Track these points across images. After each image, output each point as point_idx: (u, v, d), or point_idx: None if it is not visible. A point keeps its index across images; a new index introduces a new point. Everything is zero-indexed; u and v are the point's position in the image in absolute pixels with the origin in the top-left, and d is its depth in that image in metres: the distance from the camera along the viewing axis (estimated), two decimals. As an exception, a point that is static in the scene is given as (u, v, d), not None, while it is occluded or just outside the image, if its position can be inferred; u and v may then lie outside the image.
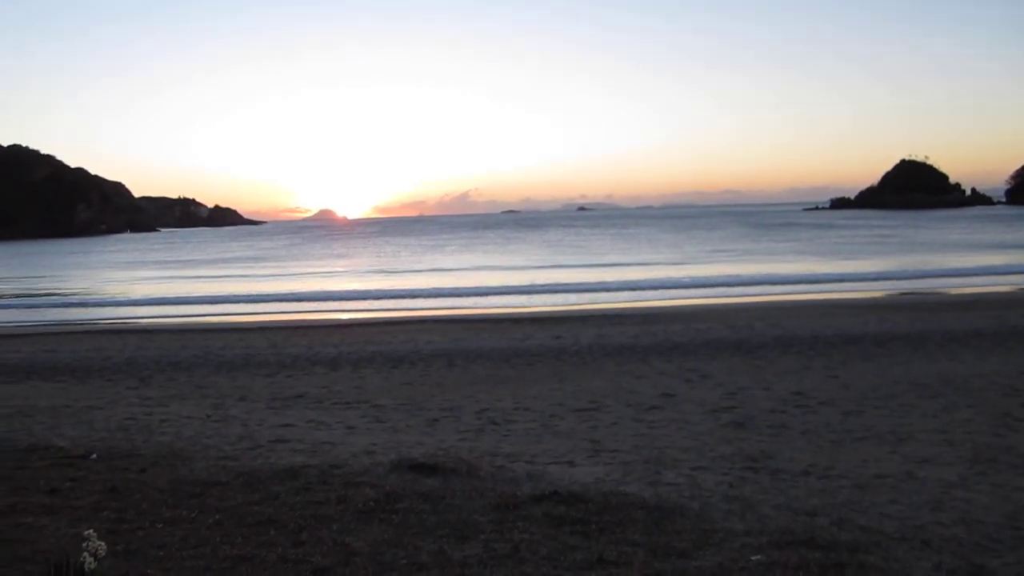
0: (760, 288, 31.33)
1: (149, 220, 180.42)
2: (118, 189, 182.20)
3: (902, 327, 17.28)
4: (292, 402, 11.19)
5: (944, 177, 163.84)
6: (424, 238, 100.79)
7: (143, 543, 5.22)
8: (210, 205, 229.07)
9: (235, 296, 34.00)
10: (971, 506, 5.94)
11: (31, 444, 8.31)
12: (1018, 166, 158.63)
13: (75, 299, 36.08)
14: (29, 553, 5.06)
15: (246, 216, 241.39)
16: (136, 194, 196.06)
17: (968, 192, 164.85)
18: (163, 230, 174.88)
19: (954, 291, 28.19)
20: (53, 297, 37.18)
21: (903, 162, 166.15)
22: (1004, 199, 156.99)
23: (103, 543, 3.76)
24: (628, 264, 46.56)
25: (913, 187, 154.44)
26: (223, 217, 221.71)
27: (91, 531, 3.81)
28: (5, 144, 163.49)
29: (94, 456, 7.73)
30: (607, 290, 32.45)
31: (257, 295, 34.34)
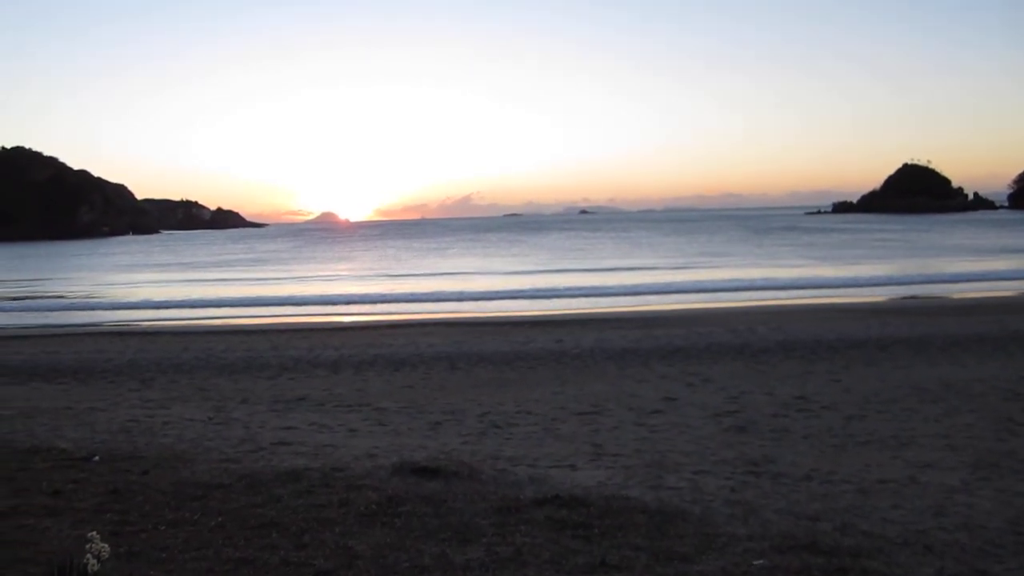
0: (762, 292, 31.31)
1: (151, 222, 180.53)
2: (120, 191, 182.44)
3: (904, 331, 17.27)
4: (294, 405, 11.20)
5: (947, 181, 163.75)
6: (426, 241, 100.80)
7: (146, 545, 5.23)
8: (212, 207, 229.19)
9: (236, 300, 34.02)
10: (974, 511, 5.94)
11: (33, 446, 8.31)
12: (1021, 170, 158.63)
13: (77, 301, 36.10)
14: (31, 555, 5.07)
15: (248, 218, 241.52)
16: (139, 196, 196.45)
17: (971, 196, 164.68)
18: (165, 232, 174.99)
19: (956, 295, 28.19)
20: (55, 299, 37.20)
21: (905, 166, 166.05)
22: (1007, 203, 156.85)
23: (106, 545, 3.76)
24: (629, 268, 46.55)
25: (915, 191, 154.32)
26: (225, 219, 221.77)
27: (94, 533, 3.82)
28: (8, 145, 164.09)
29: (96, 458, 7.73)
30: (608, 294, 32.44)
31: (258, 298, 34.38)
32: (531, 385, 12.36)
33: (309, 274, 50.99)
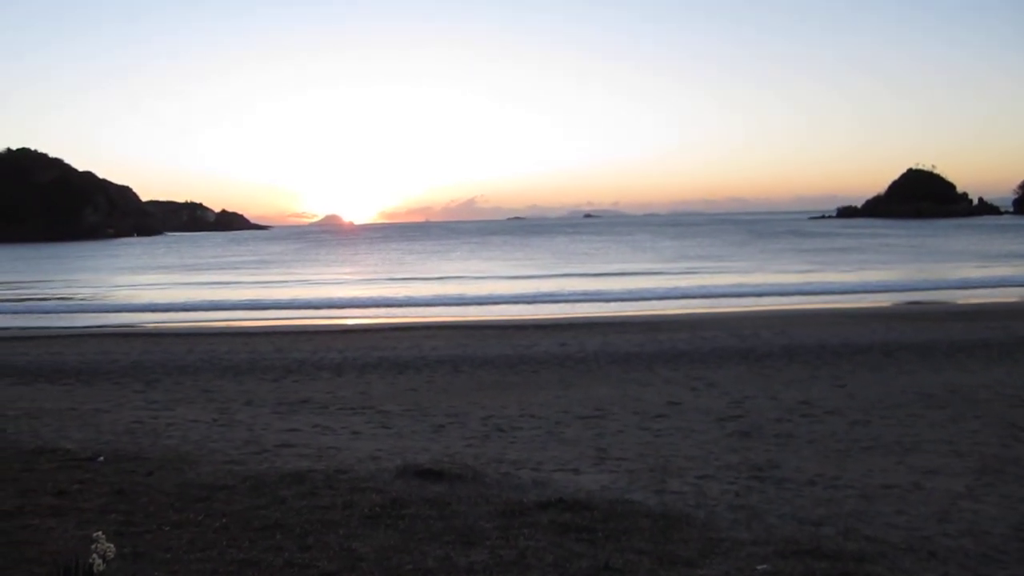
0: (766, 297, 31.30)
1: (156, 224, 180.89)
2: (125, 193, 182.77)
3: (909, 337, 17.24)
4: (297, 407, 11.21)
5: (951, 186, 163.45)
6: (430, 244, 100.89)
7: (150, 546, 5.24)
8: (217, 209, 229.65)
9: (239, 302, 34.10)
10: (978, 517, 5.93)
11: (38, 446, 8.34)
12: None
13: (81, 303, 36.19)
14: (37, 555, 5.08)
15: (253, 220, 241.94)
16: (143, 198, 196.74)
17: (975, 201, 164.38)
18: (170, 234, 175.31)
19: (961, 301, 28.14)
20: (59, 300, 37.29)
21: (910, 171, 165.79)
22: (1012, 209, 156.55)
23: (111, 545, 3.77)
24: (633, 273, 46.56)
25: (920, 196, 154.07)
26: (230, 221, 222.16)
27: (100, 533, 3.82)
28: (13, 147, 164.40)
29: (101, 459, 7.75)
30: (612, 299, 32.43)
31: (261, 301, 34.45)
32: (535, 389, 12.36)
33: (312, 277, 51.05)
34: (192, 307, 32.24)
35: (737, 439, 8.73)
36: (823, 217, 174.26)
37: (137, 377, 14.21)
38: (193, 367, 15.24)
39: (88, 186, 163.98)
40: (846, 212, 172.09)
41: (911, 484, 6.83)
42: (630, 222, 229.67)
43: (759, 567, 4.87)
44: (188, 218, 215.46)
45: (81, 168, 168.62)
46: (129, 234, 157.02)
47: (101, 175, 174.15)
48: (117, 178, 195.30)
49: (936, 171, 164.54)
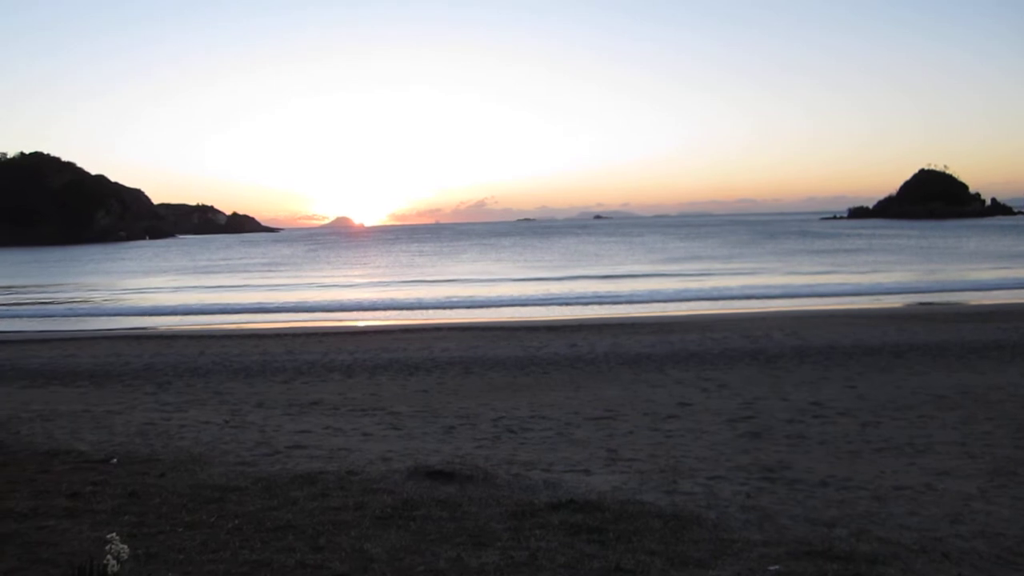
0: (777, 298, 31.20)
1: (167, 227, 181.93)
2: (137, 196, 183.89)
3: (920, 338, 17.17)
4: (308, 408, 11.25)
5: (964, 187, 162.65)
6: (440, 245, 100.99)
7: (163, 547, 5.27)
8: (228, 212, 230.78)
9: (250, 305, 34.25)
10: (991, 519, 5.90)
11: (52, 448, 8.39)
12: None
13: (94, 305, 36.39)
14: (51, 556, 5.12)
15: (263, 223, 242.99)
16: (155, 201, 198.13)
17: (988, 202, 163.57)
18: (181, 237, 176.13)
19: (973, 302, 27.98)
20: (72, 303, 37.50)
21: (922, 171, 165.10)
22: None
23: (125, 546, 3.79)
24: (642, 275, 46.48)
25: (932, 197, 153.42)
26: (241, 224, 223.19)
27: (114, 534, 3.85)
28: (27, 151, 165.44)
29: (114, 460, 7.80)
30: (622, 301, 32.39)
31: (272, 303, 34.57)
32: (545, 390, 12.37)
33: (323, 279, 51.17)
34: (203, 309, 32.38)
35: (748, 440, 8.71)
36: (834, 218, 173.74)
37: (149, 379, 14.28)
38: (205, 369, 15.31)
39: (100, 189, 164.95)
40: (857, 213, 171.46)
41: (923, 485, 6.80)
42: (640, 223, 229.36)
43: (771, 568, 4.86)
44: (199, 221, 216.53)
45: (94, 172, 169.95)
46: (141, 237, 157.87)
47: (113, 179, 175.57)
48: (129, 181, 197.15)
49: (948, 171, 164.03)
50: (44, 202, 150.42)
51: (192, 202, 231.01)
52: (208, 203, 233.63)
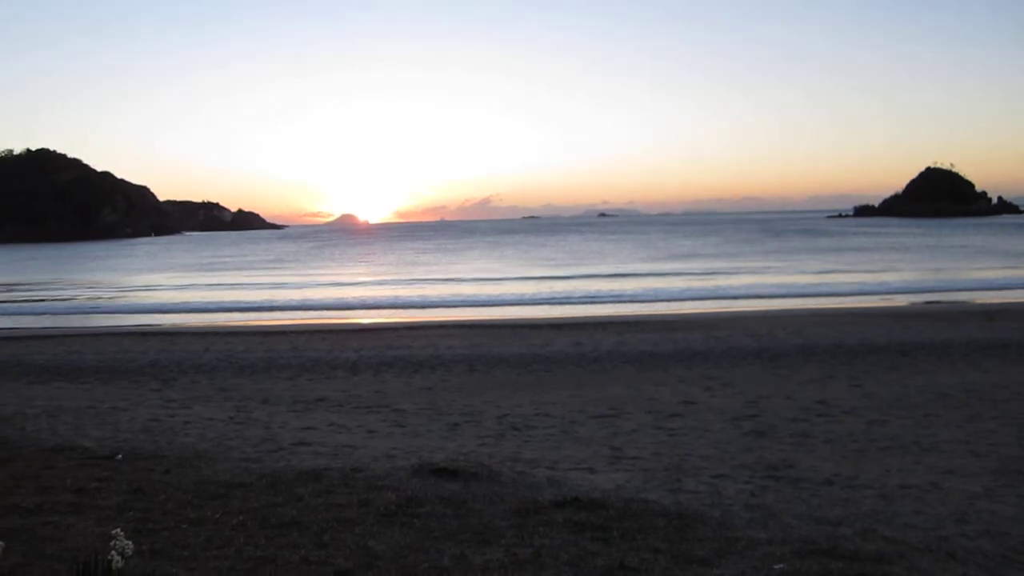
0: (782, 297, 31.15)
1: (173, 223, 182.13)
2: (143, 193, 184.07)
3: (926, 336, 17.12)
4: (313, 405, 11.26)
5: (970, 185, 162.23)
6: (445, 242, 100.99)
7: (168, 543, 5.28)
8: (233, 209, 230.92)
9: (256, 302, 34.31)
10: (996, 518, 5.88)
11: (57, 444, 8.41)
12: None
13: (99, 302, 36.47)
14: (56, 551, 5.13)
15: (269, 220, 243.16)
16: (161, 198, 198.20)
17: (995, 200, 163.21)
18: (186, 233, 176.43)
19: (979, 300, 27.91)
20: (77, 300, 37.60)
21: (928, 170, 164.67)
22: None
23: (130, 542, 3.80)
24: (647, 273, 46.45)
25: (938, 195, 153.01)
26: (246, 221, 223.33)
27: (119, 530, 3.85)
28: (33, 147, 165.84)
29: (119, 457, 7.82)
30: (627, 299, 32.37)
31: (277, 301, 34.64)
32: (549, 387, 12.36)
33: (327, 276, 51.21)
34: (208, 307, 32.43)
35: (753, 438, 8.70)
36: (840, 216, 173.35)
37: (154, 375, 14.31)
38: (210, 365, 15.33)
39: (106, 186, 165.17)
40: (863, 211, 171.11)
41: (929, 484, 6.78)
42: (645, 221, 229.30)
43: (776, 567, 4.85)
44: (205, 218, 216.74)
45: (100, 168, 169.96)
46: (147, 234, 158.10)
47: (119, 175, 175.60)
48: (135, 178, 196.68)
49: (955, 170, 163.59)
50: (50, 199, 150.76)
51: (197, 199, 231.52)
52: (213, 200, 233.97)
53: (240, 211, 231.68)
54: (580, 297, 32.70)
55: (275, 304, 32.70)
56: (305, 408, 11.03)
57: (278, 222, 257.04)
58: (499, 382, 13.00)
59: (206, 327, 24.19)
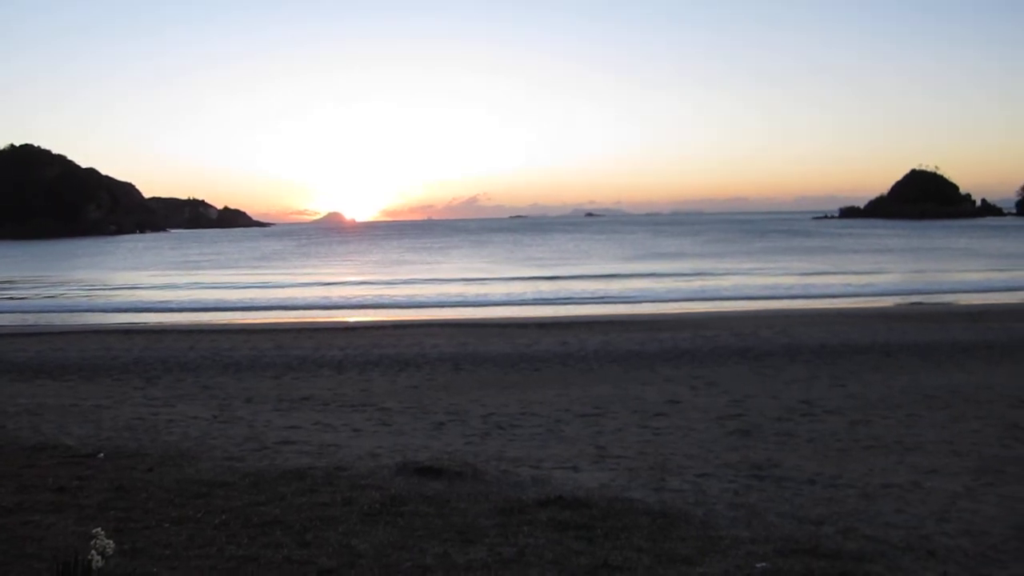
0: (767, 297, 31.29)
1: (159, 221, 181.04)
2: (128, 190, 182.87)
3: (910, 337, 17.23)
4: (298, 404, 11.22)
5: (954, 187, 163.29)
6: (432, 241, 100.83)
7: (149, 542, 5.25)
8: (219, 206, 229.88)
9: (240, 301, 34.17)
10: (977, 517, 5.92)
11: (39, 442, 8.35)
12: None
13: (83, 299, 36.21)
14: (36, 550, 5.10)
15: (255, 218, 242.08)
16: (146, 195, 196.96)
17: (978, 203, 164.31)
18: (172, 231, 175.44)
19: (962, 302, 28.10)
20: (61, 297, 37.33)
21: (913, 172, 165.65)
22: (1015, 210, 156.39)
23: (111, 541, 3.77)
24: (633, 273, 46.53)
25: (923, 197, 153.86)
26: (232, 219, 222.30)
27: (99, 529, 3.83)
28: (17, 143, 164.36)
29: (101, 455, 7.77)
30: (613, 298, 32.44)
31: (262, 300, 34.51)
32: (535, 387, 12.37)
33: (313, 274, 51.04)
34: (193, 305, 32.25)
35: (737, 438, 8.73)
36: (826, 217, 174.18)
37: (138, 373, 14.22)
38: (194, 364, 15.25)
39: (91, 183, 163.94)
40: (849, 212, 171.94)
41: (911, 483, 6.82)
42: (632, 221, 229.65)
43: (758, 565, 4.87)
44: (190, 215, 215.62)
45: (84, 165, 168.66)
46: (132, 231, 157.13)
47: (104, 172, 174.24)
48: (120, 175, 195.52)
49: (939, 172, 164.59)
50: (34, 195, 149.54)
51: (183, 196, 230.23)
52: (199, 198, 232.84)
53: (226, 208, 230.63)
54: (567, 297, 32.72)
55: (260, 303, 32.56)
56: (290, 407, 10.99)
57: (264, 220, 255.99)
58: (485, 381, 12.99)
59: (191, 325, 24.07)
